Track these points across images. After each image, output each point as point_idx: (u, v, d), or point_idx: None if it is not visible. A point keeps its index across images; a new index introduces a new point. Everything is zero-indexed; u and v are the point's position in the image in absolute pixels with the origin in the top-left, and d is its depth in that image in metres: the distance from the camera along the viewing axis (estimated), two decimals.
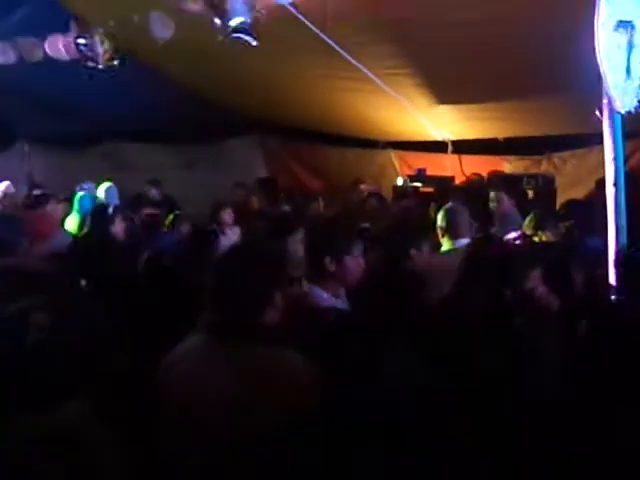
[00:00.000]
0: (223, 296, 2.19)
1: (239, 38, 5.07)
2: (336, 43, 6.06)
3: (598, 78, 3.33)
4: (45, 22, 6.71)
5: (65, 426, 1.54)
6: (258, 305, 2.17)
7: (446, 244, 4.40)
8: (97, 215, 6.21)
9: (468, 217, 4.60)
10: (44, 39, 6.79)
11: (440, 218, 4.47)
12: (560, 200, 7.56)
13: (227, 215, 6.38)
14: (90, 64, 6.53)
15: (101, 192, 7.52)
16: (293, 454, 1.85)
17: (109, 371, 1.93)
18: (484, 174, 8.38)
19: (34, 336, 1.72)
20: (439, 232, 4.45)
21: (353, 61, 6.44)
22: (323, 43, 6.02)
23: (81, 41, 6.42)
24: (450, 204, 4.71)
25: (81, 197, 7.04)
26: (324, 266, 2.99)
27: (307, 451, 1.82)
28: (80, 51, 6.48)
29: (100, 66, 6.57)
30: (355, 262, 3.07)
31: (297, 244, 3.64)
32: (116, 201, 7.29)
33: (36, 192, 7.81)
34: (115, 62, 6.66)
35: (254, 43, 5.11)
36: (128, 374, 2.27)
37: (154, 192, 8.11)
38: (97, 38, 6.45)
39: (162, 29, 5.79)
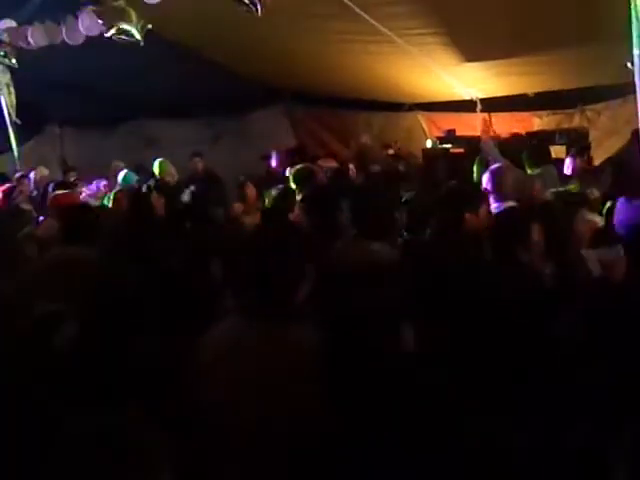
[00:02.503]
0: (255, 277, 2.19)
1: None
2: (358, 6, 5.96)
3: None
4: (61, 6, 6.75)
5: (113, 426, 1.58)
6: (291, 284, 2.17)
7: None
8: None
9: (516, 178, 4.44)
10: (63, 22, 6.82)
11: (485, 179, 4.34)
12: (595, 154, 7.40)
13: (250, 191, 6.09)
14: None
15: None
16: (325, 428, 1.85)
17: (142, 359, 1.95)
18: (514, 132, 8.23)
19: (60, 344, 1.77)
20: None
21: (376, 23, 6.33)
22: (344, 7, 5.93)
23: None
24: (496, 165, 4.57)
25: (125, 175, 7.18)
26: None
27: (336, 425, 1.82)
28: None
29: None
30: None
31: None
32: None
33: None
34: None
35: (259, 12, 5.06)
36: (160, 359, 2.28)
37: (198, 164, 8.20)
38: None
39: None
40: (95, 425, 1.51)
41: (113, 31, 6.43)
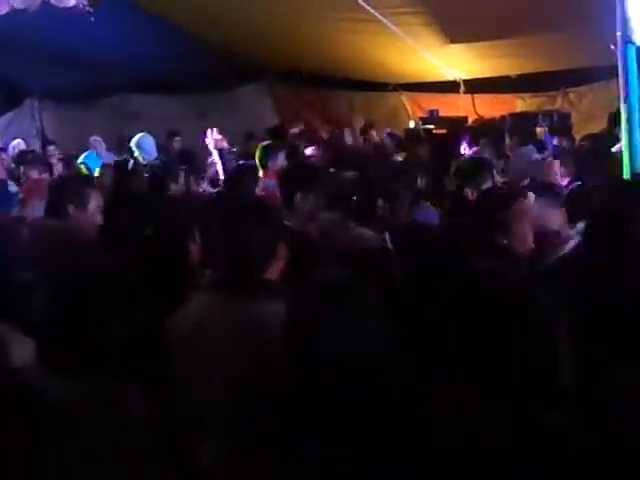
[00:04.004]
0: (227, 253, 2.18)
1: None
2: None
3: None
4: None
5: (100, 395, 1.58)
6: (262, 260, 2.15)
7: None
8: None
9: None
10: None
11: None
12: (577, 137, 7.46)
13: None
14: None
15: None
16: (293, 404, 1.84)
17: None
18: (497, 113, 8.26)
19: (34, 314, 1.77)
20: None
21: (361, 2, 6.30)
22: None
23: None
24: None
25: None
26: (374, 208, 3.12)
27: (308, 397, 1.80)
28: None
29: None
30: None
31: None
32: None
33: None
34: None
35: None
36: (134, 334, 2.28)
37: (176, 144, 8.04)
38: None
39: None
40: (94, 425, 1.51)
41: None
